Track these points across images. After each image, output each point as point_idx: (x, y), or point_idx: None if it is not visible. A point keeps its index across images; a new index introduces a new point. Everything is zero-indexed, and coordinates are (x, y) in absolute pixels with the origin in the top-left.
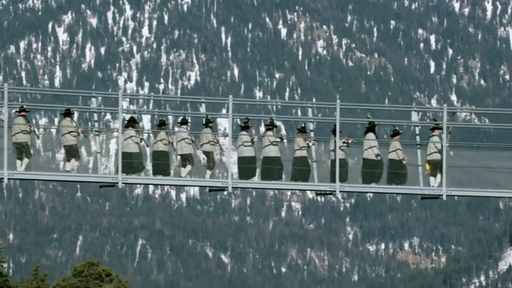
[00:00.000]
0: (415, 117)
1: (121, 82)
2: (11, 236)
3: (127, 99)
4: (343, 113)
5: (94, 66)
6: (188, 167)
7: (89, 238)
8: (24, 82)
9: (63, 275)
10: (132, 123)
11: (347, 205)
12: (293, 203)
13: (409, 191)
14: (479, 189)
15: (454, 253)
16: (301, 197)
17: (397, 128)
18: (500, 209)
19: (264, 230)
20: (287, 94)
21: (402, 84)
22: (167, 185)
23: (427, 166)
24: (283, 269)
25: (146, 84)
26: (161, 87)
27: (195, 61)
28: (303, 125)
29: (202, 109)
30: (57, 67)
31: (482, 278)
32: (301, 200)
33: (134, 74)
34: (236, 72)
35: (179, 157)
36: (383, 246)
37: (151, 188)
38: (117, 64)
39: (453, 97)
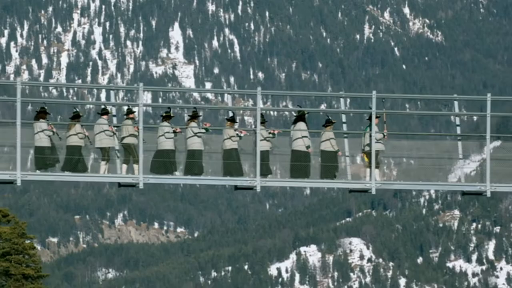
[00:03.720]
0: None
1: None
2: None
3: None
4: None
5: None
6: (104, 164)
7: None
8: None
9: (14, 189)
10: (43, 114)
11: None
12: (246, 117)
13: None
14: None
15: (405, 166)
16: (253, 112)
17: (330, 117)
18: (451, 122)
19: (217, 147)
20: (239, 7)
21: None
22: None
23: (365, 158)
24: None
25: None
26: None
27: None
28: (231, 114)
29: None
30: None
31: (432, 190)
32: (254, 114)
33: None
34: None
35: (96, 150)
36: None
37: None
38: None
39: (406, 10)
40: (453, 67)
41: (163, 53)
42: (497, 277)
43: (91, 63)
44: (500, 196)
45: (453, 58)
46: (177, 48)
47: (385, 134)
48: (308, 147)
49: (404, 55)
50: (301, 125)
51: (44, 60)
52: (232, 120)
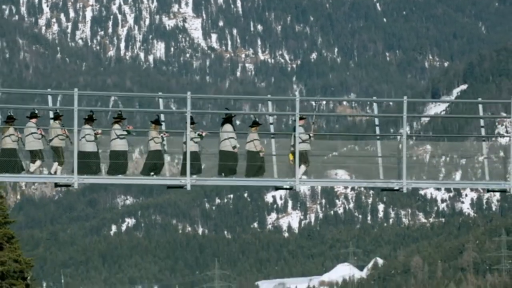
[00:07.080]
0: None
1: None
2: None
3: None
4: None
5: None
6: (38, 163)
7: (67, 96)
8: None
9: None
10: None
11: (294, 65)
12: (247, 64)
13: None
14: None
15: (385, 107)
16: (254, 59)
17: (257, 119)
18: (426, 68)
19: (221, 88)
20: None
21: None
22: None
23: (291, 157)
24: (238, 122)
25: None
26: None
27: None
28: (156, 117)
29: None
30: None
31: (407, 128)
32: (254, 61)
33: None
34: None
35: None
36: (324, 101)
37: (122, 50)
38: None
39: None
40: (427, 20)
41: (175, 8)
42: (463, 202)
43: (112, 16)
44: (465, 134)
45: (427, 12)
46: (186, 3)
47: (311, 135)
48: (234, 147)
49: (384, 9)
50: (228, 127)
51: (71, 14)
52: (157, 122)
